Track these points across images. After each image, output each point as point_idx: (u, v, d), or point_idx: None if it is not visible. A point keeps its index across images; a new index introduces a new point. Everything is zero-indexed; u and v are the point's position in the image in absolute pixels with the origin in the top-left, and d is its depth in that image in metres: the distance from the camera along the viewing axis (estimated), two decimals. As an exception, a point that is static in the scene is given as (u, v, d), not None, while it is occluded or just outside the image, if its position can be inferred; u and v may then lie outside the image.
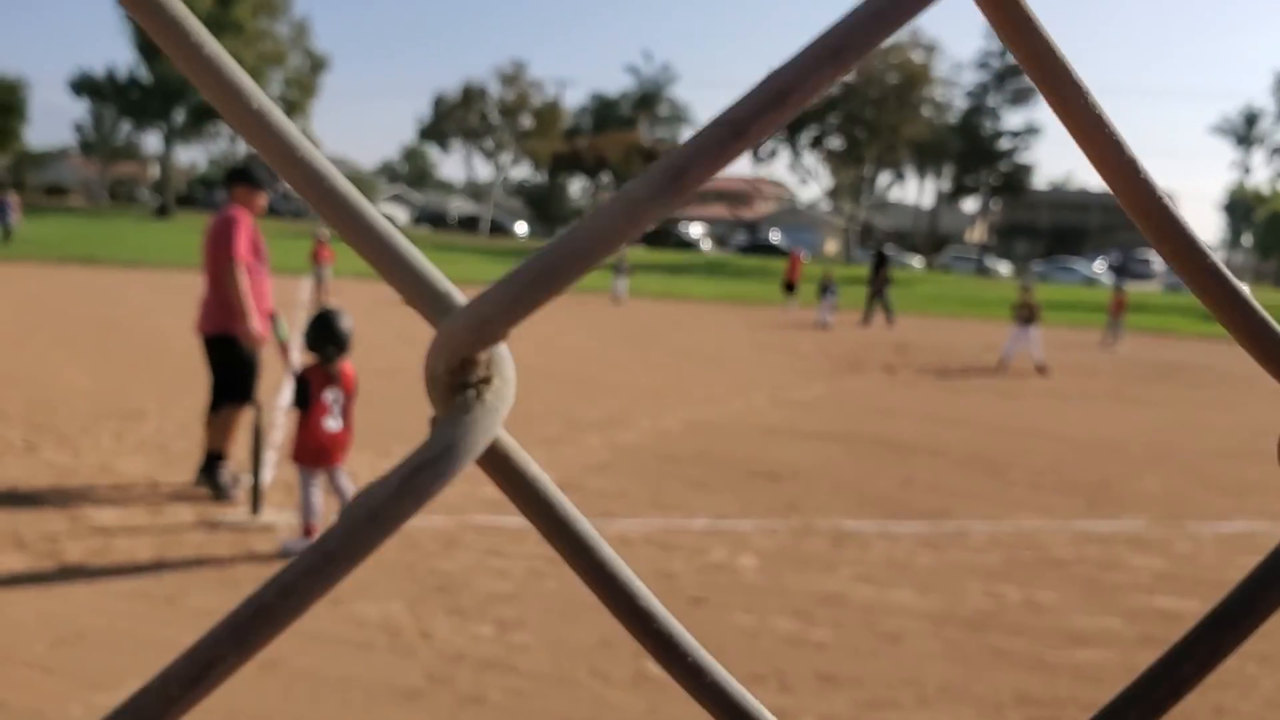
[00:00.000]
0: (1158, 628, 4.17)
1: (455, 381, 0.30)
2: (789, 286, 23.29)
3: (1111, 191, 0.36)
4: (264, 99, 0.31)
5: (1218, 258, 0.36)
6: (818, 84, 0.29)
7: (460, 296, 0.31)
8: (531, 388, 9.22)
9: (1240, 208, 72.82)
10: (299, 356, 4.91)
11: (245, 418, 5.35)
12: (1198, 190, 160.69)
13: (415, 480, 0.29)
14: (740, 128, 0.29)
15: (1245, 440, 9.14)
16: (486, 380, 0.30)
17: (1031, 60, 0.34)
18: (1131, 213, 0.36)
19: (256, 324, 5.17)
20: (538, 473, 0.33)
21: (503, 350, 0.30)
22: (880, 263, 21.16)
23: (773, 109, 0.29)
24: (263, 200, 5.46)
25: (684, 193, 0.29)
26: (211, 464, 5.27)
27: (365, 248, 0.31)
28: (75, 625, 3.53)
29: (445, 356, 0.29)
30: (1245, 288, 0.36)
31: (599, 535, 0.34)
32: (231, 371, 5.29)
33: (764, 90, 0.29)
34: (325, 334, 4.57)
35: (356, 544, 0.28)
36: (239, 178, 5.42)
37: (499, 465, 0.32)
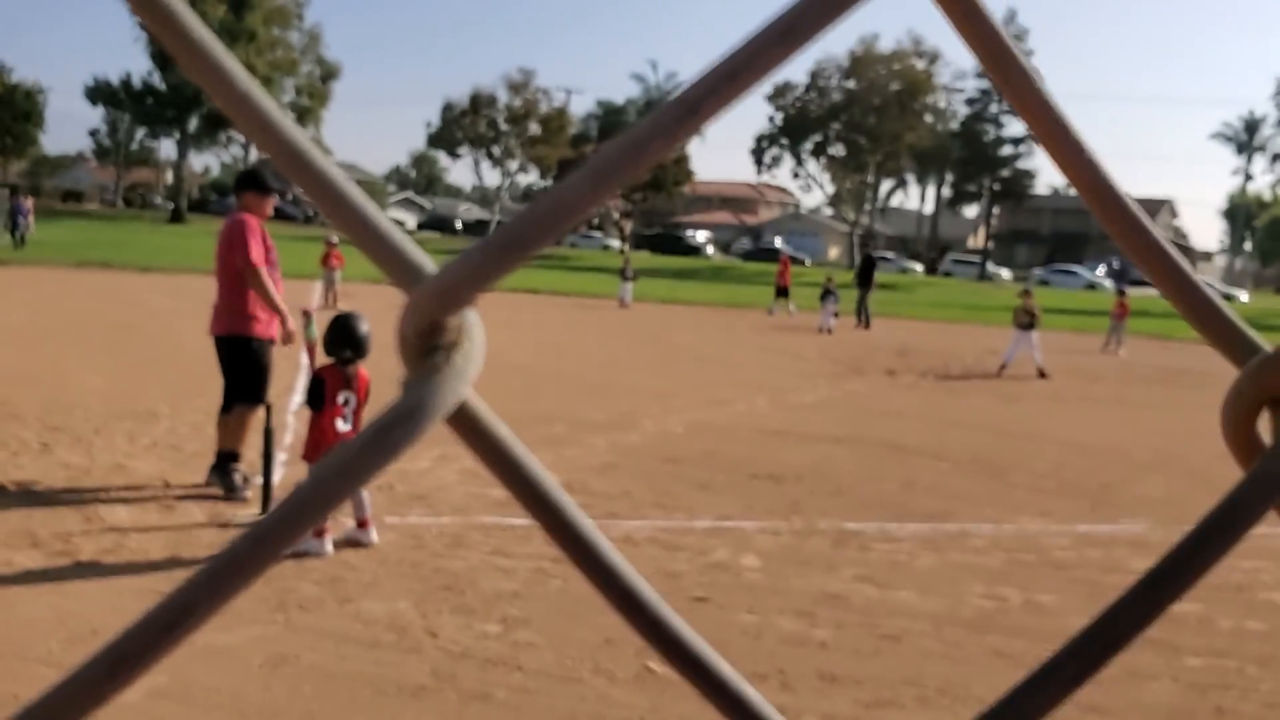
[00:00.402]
0: (1158, 630, 4.14)
1: (424, 345, 0.31)
2: (781, 291, 23.14)
3: (1059, 169, 0.37)
4: (249, 81, 0.32)
5: (1162, 235, 0.37)
6: (766, 65, 0.31)
7: (431, 266, 0.33)
8: (537, 389, 9.24)
9: (1241, 213, 72.61)
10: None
11: (257, 418, 5.39)
12: (1199, 196, 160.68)
13: (384, 438, 0.31)
14: (694, 106, 0.31)
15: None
16: (455, 344, 0.32)
17: (980, 45, 0.35)
18: (1081, 191, 0.37)
19: (291, 322, 5.31)
20: (506, 434, 0.34)
21: (472, 316, 0.32)
22: (868, 266, 21.15)
23: (724, 88, 0.31)
24: (270, 205, 5.52)
25: (641, 166, 0.31)
26: (223, 464, 5.31)
27: (344, 221, 0.33)
28: (89, 623, 3.55)
29: (415, 321, 0.31)
30: (1189, 264, 0.37)
31: (566, 495, 0.35)
32: (243, 372, 5.35)
33: (716, 72, 0.31)
34: (343, 337, 4.60)
35: (326, 496, 0.30)
36: (248, 183, 5.47)
37: (468, 426, 0.33)
